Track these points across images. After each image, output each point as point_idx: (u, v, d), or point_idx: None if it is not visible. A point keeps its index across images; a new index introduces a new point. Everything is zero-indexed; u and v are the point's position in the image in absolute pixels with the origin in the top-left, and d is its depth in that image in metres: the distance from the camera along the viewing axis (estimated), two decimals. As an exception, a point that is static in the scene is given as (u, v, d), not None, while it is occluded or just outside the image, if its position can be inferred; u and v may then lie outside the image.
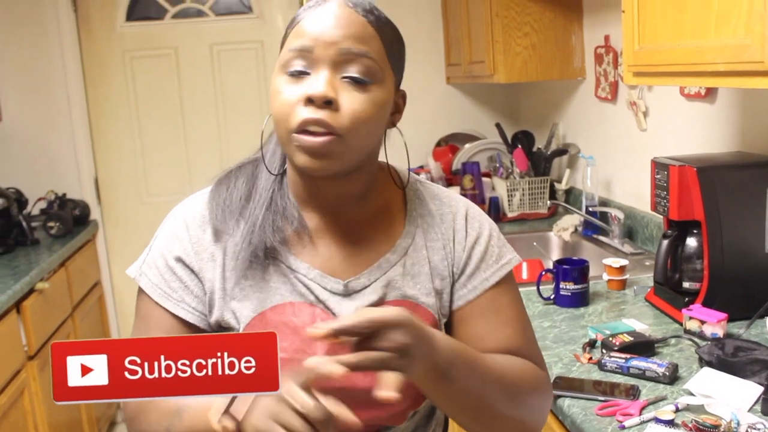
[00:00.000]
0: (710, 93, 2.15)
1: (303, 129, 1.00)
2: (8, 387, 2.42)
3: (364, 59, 1.02)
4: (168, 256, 1.10)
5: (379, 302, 1.09)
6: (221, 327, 1.10)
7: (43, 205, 3.53)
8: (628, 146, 2.68)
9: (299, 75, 1.02)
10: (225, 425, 0.85)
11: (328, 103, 0.99)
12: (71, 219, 3.40)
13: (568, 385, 1.50)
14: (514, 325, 1.15)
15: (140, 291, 1.12)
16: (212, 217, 1.11)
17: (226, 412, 0.86)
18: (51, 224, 3.31)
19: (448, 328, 1.17)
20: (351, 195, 1.11)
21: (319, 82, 0.99)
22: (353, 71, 1.01)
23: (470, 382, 1.00)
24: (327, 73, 1.00)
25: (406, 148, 1.14)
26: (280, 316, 1.06)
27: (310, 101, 0.99)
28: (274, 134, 1.14)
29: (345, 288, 1.09)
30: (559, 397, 1.47)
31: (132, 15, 3.71)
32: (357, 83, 1.01)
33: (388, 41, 1.06)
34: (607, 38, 2.77)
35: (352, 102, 1.01)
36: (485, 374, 1.02)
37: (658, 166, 1.86)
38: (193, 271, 1.10)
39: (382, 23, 1.06)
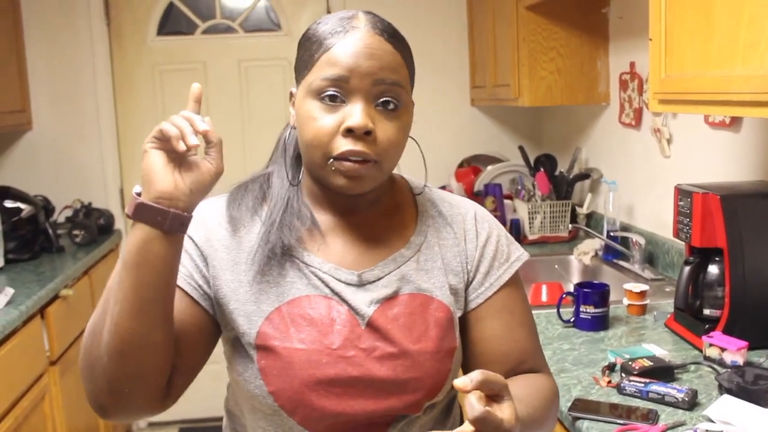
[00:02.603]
0: (735, 122, 2.15)
1: (344, 158, 1.05)
2: (30, 391, 2.45)
3: (396, 88, 1.08)
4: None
5: (394, 295, 1.13)
6: (229, 328, 1.11)
7: (69, 213, 3.58)
8: (651, 172, 2.69)
9: (334, 103, 1.06)
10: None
11: (367, 134, 1.05)
12: (96, 228, 3.45)
13: (587, 407, 1.51)
14: (526, 326, 1.22)
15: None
16: (230, 208, 1.15)
17: None
18: (76, 232, 3.35)
19: (464, 328, 1.20)
20: (365, 201, 1.16)
21: (357, 114, 1.05)
22: (386, 101, 1.08)
23: None
24: (363, 104, 1.06)
25: (423, 160, 1.21)
26: (296, 309, 1.10)
27: (349, 132, 1.05)
28: (288, 146, 1.20)
29: (359, 279, 1.13)
30: (578, 419, 1.48)
31: (163, 29, 3.78)
32: (389, 111, 1.08)
33: (408, 62, 1.13)
34: (632, 65, 2.79)
35: (386, 131, 1.07)
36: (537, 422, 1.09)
37: (681, 192, 1.87)
38: (202, 254, 1.12)
39: (403, 45, 1.12)
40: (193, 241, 1.13)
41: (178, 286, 1.10)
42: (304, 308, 1.10)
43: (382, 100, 1.07)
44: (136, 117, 3.80)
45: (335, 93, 1.06)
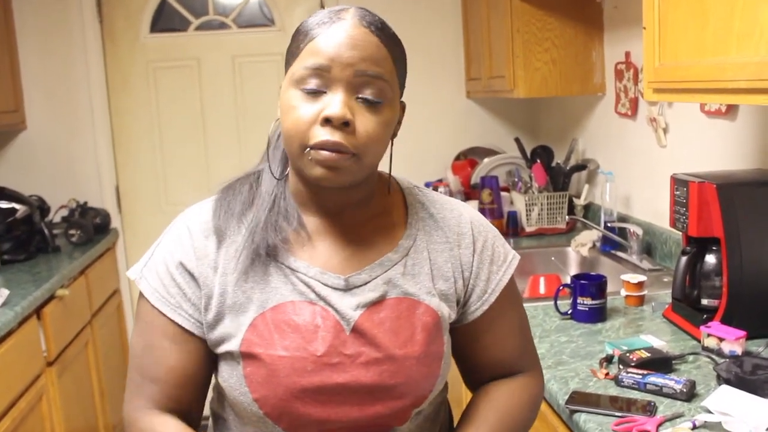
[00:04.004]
0: (731, 110, 2.14)
1: (320, 148, 1.03)
2: (27, 392, 2.44)
3: (378, 81, 1.05)
4: (169, 262, 1.12)
5: (380, 299, 1.11)
6: (220, 341, 1.11)
7: (64, 212, 3.57)
8: (648, 162, 2.67)
9: (315, 93, 1.04)
10: None
11: (345, 125, 1.03)
12: (92, 227, 3.44)
13: (585, 400, 1.50)
14: (517, 332, 1.25)
15: (140, 294, 1.15)
16: (215, 218, 1.13)
17: None
18: (72, 232, 3.34)
19: (460, 337, 1.21)
20: (352, 201, 1.14)
21: (336, 104, 1.02)
22: (368, 93, 1.05)
23: None
24: (343, 95, 1.03)
25: (390, 158, 1.18)
26: (281, 315, 1.08)
27: (327, 121, 1.02)
28: (276, 141, 1.18)
29: (346, 283, 1.11)
30: (575, 412, 1.47)
31: (156, 26, 3.76)
32: (370, 104, 1.05)
33: (397, 59, 1.10)
34: (627, 54, 2.77)
35: (366, 124, 1.04)
36: None
37: (677, 182, 1.86)
38: (193, 277, 1.11)
39: (393, 42, 1.09)
40: (183, 265, 1.11)
41: (170, 319, 1.11)
42: (289, 314, 1.08)
43: (363, 92, 1.05)
44: (131, 114, 3.78)
45: (316, 83, 1.04)
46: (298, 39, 1.09)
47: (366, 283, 1.11)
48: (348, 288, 1.10)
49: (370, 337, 1.08)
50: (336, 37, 1.04)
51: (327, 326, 1.08)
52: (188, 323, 1.11)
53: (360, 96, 1.05)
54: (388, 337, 1.09)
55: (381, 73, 1.05)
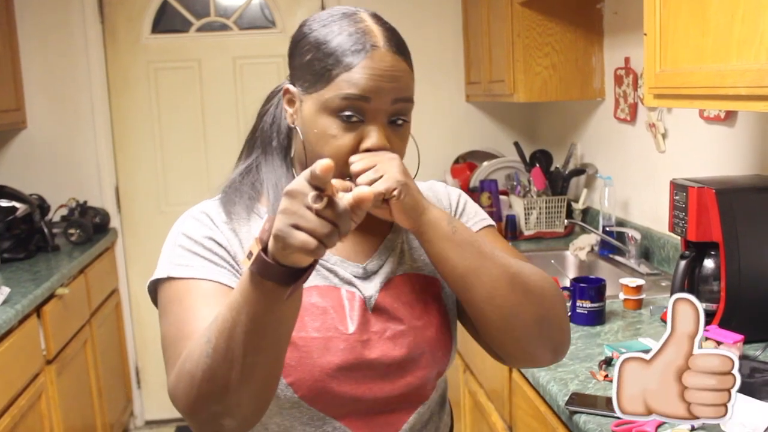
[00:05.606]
0: (730, 116, 2.16)
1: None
2: (26, 390, 2.45)
3: (409, 105, 1.11)
4: (197, 238, 1.11)
5: (392, 276, 1.18)
6: None
7: (64, 212, 3.58)
8: (647, 167, 2.69)
9: (352, 122, 1.07)
10: (251, 250, 0.86)
11: None
12: (91, 226, 3.45)
13: (584, 401, 1.51)
14: (507, 252, 1.20)
15: (169, 288, 1.09)
16: (227, 205, 1.15)
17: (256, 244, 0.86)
18: (72, 231, 3.35)
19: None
20: None
21: (377, 135, 1.07)
22: (399, 117, 1.11)
23: (471, 243, 1.08)
24: (380, 123, 1.08)
25: (418, 160, 1.21)
26: (308, 298, 1.12)
27: (368, 151, 1.07)
28: (273, 136, 1.23)
29: (364, 271, 1.17)
30: (575, 413, 1.48)
31: (157, 27, 3.77)
32: (398, 126, 1.11)
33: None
34: (627, 60, 2.79)
35: (397, 145, 1.11)
36: (486, 248, 1.09)
37: (677, 187, 1.87)
38: (222, 246, 1.11)
39: (410, 56, 1.12)
40: (213, 239, 1.11)
41: (206, 279, 1.07)
42: (315, 297, 1.12)
43: (395, 117, 1.09)
44: (131, 115, 3.79)
45: (354, 111, 1.06)
46: (326, 61, 1.07)
47: (380, 267, 1.18)
48: (366, 276, 1.17)
49: (392, 312, 1.15)
50: (375, 69, 1.05)
51: (353, 306, 1.13)
52: (225, 275, 1.08)
53: (392, 120, 1.10)
54: (407, 310, 1.16)
55: (411, 96, 1.11)
